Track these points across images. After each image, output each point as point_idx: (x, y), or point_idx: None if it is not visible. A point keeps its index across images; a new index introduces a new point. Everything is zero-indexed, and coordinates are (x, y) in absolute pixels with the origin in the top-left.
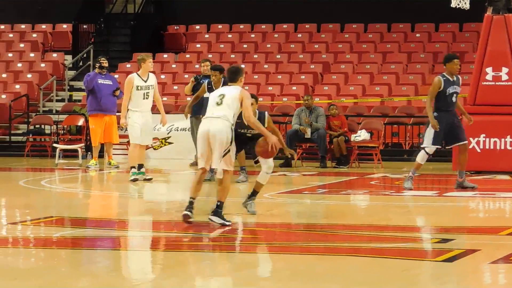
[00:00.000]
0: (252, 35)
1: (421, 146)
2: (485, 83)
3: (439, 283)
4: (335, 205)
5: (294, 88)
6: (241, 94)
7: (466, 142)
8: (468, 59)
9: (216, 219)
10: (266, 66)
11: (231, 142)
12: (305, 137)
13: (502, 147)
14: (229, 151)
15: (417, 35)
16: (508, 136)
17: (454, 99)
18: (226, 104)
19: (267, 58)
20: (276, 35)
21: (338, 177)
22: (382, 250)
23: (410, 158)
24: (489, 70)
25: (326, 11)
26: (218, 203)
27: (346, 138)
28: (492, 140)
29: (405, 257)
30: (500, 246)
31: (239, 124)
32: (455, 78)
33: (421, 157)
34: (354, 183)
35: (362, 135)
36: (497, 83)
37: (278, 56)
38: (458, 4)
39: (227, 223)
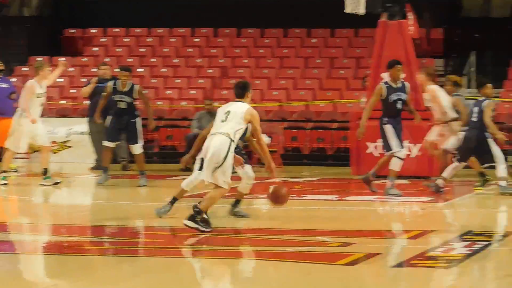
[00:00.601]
0: (149, 39)
1: (390, 153)
2: None
3: (341, 287)
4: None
5: (193, 92)
6: (249, 113)
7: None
8: (363, 64)
9: (190, 223)
10: (164, 70)
11: (225, 159)
12: None
13: None
14: (220, 166)
15: (313, 40)
16: (407, 141)
17: (399, 105)
18: (229, 120)
19: (165, 62)
20: (173, 39)
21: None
22: (284, 253)
23: (310, 163)
24: (384, 75)
25: (223, 16)
26: (197, 210)
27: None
28: None
29: (307, 261)
30: (399, 250)
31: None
32: (399, 85)
33: (397, 165)
34: (255, 187)
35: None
36: None
37: (176, 60)
38: (353, 10)
39: (203, 229)
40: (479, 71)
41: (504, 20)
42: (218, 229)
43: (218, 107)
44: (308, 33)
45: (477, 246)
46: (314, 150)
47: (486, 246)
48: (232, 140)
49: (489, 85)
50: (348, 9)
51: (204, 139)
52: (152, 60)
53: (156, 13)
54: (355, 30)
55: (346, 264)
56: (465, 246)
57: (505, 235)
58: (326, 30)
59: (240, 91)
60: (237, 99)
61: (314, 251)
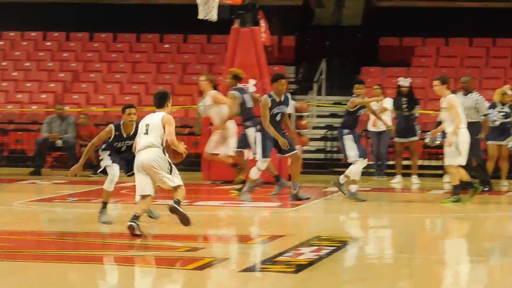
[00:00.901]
0: (0, 42)
1: (349, 161)
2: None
3: None
4: (85, 214)
5: (44, 96)
6: (164, 119)
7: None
8: (216, 70)
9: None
10: (14, 73)
11: (169, 163)
12: (56, 145)
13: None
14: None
15: (166, 45)
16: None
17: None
18: (151, 132)
19: (16, 65)
20: (24, 43)
21: (90, 185)
22: (131, 258)
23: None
24: (251, 82)
25: (75, 20)
26: (177, 200)
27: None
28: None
29: (156, 265)
30: (248, 255)
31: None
32: (282, 98)
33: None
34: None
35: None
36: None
37: (27, 64)
38: (206, 16)
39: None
40: (330, 79)
41: (354, 28)
42: (69, 233)
43: (70, 111)
44: (161, 38)
45: (324, 251)
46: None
47: (333, 251)
48: (160, 149)
49: (283, 81)
50: (201, 15)
51: (93, 147)
52: (4, 63)
53: (7, 16)
54: (207, 36)
55: (195, 268)
56: (313, 251)
57: (351, 241)
58: (179, 36)
59: (159, 101)
60: (157, 110)
61: (163, 256)
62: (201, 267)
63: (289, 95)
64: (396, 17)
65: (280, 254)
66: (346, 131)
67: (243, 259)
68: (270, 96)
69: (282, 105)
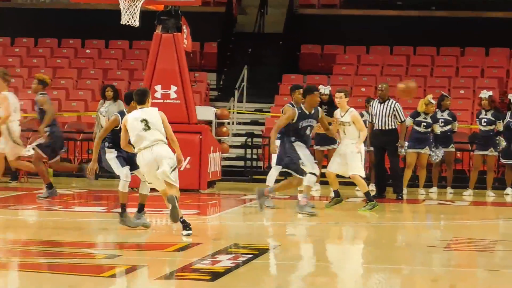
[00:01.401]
0: None
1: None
2: (154, 100)
3: None
4: (2, 220)
5: None
6: (162, 115)
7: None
8: (137, 76)
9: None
10: None
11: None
12: None
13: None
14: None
15: (88, 51)
16: None
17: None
18: (154, 128)
19: None
20: None
21: (6, 191)
22: (49, 265)
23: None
24: (158, 88)
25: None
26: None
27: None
28: None
29: (72, 272)
30: (166, 262)
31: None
32: (313, 111)
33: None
34: (22, 198)
35: (30, 151)
36: (166, 101)
37: None
38: (128, 21)
39: None
40: (251, 86)
41: (276, 36)
42: None
43: None
44: (82, 43)
45: (241, 259)
46: (83, 161)
47: (251, 259)
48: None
49: (317, 93)
50: (124, 20)
51: (101, 140)
52: None
53: None
54: (129, 42)
55: (111, 276)
56: (230, 259)
57: (269, 248)
58: (100, 42)
59: (141, 98)
60: (139, 106)
61: (79, 263)
62: (117, 275)
63: (319, 108)
64: (318, 25)
65: (197, 261)
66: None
67: (160, 266)
68: (299, 108)
69: (311, 118)
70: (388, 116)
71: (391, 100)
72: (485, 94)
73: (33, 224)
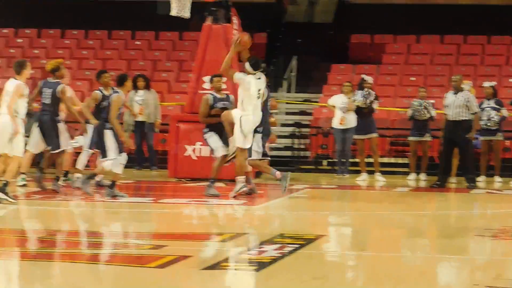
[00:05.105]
0: None
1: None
2: (202, 91)
3: None
4: (48, 211)
5: None
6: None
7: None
8: (186, 67)
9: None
10: None
11: None
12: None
13: None
14: None
15: (137, 42)
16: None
17: None
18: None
19: None
20: None
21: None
22: (96, 256)
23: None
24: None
25: (48, 17)
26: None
27: None
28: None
29: (119, 263)
30: (211, 253)
31: None
32: None
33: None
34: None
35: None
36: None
37: None
38: (179, 13)
39: None
40: (300, 76)
41: (326, 25)
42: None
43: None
44: (132, 35)
45: (287, 249)
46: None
47: (296, 249)
48: None
49: (107, 74)
50: (174, 12)
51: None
52: None
53: None
54: (179, 33)
55: (157, 266)
56: (276, 249)
57: (315, 238)
58: (150, 33)
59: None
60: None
61: (126, 253)
62: (163, 265)
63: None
64: (368, 15)
65: (243, 251)
66: None
67: (206, 257)
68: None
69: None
70: (461, 107)
71: (464, 91)
72: (489, 83)
73: (78, 215)
